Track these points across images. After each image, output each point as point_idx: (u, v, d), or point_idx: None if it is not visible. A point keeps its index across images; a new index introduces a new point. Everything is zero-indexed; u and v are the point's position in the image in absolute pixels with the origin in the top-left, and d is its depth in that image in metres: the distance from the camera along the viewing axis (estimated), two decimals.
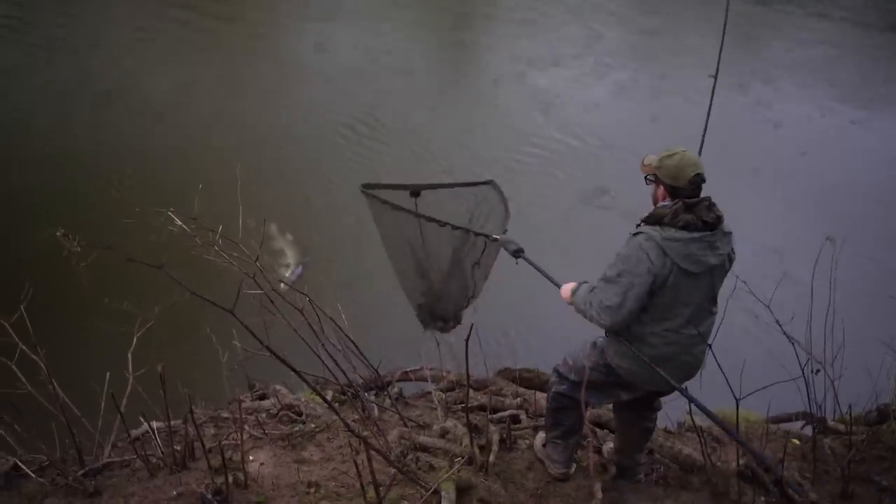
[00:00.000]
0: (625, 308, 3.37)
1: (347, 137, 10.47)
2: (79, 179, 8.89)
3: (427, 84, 12.59)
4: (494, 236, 4.02)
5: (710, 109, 4.13)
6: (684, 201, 3.35)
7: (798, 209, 9.29)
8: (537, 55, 13.50)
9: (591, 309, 3.49)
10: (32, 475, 3.67)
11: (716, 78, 4.19)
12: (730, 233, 3.47)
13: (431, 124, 11.02)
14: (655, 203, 3.52)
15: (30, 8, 12.94)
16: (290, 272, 6.26)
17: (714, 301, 3.56)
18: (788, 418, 5.04)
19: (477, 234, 4.05)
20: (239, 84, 11.44)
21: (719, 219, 3.39)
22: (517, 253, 3.97)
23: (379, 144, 10.38)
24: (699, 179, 3.38)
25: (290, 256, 4.43)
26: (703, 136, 4.12)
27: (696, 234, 3.34)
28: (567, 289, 3.70)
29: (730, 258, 3.51)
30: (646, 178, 3.53)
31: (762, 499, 3.82)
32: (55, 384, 3.68)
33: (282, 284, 3.35)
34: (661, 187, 3.46)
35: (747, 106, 12.41)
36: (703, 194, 3.43)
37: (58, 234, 2.85)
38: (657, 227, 3.37)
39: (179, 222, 3.38)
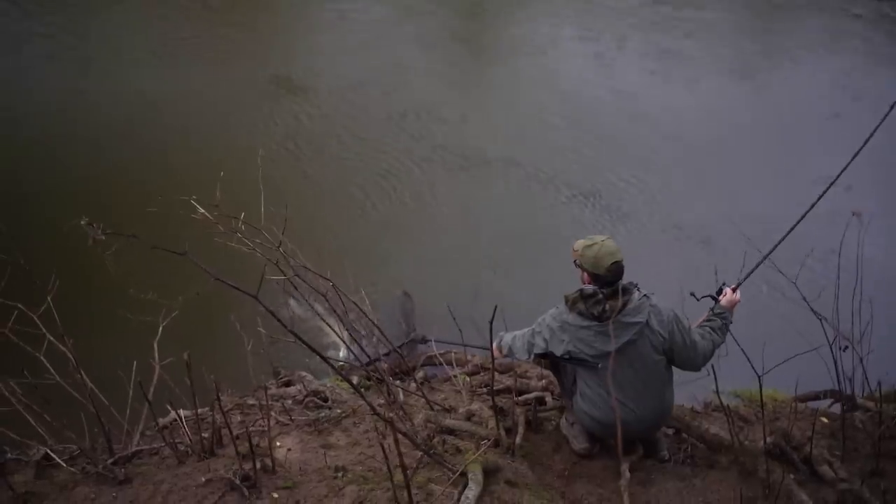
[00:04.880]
0: (524, 355, 4.08)
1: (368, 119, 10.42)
2: (99, 170, 8.95)
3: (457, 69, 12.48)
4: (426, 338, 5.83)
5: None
6: (581, 291, 3.83)
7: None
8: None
9: (511, 353, 4.17)
10: (63, 464, 3.70)
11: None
12: (637, 322, 3.75)
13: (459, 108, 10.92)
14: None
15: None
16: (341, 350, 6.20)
17: (646, 383, 3.84)
18: (816, 396, 4.99)
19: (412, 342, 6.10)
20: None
21: (604, 313, 3.71)
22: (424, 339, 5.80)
23: (395, 128, 10.32)
24: (616, 268, 3.77)
25: (335, 329, 4.39)
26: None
27: (584, 323, 3.77)
28: (494, 346, 4.12)
29: (652, 346, 3.79)
30: (574, 262, 3.92)
31: (791, 477, 3.79)
32: (83, 374, 3.71)
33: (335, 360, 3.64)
34: (585, 273, 3.86)
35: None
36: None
37: (82, 222, 2.85)
38: (566, 308, 3.86)
39: (202, 210, 3.39)
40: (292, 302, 4.19)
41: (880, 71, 12.38)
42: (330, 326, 4.37)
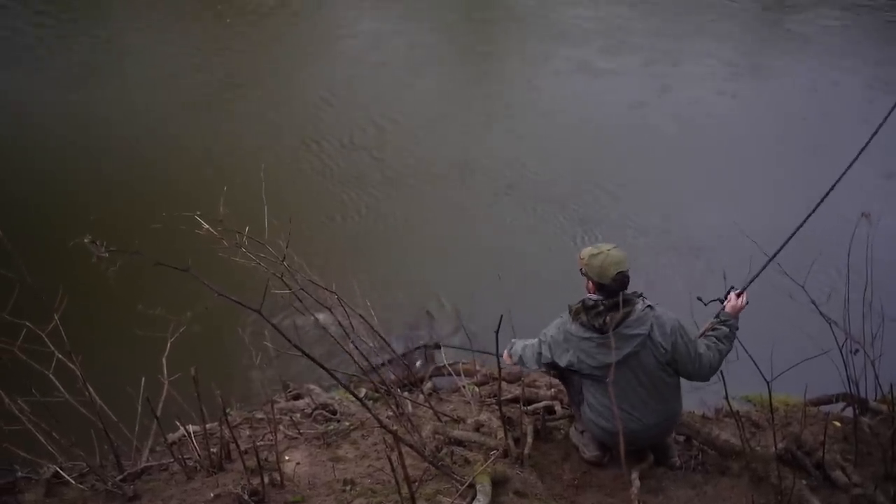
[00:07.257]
0: (533, 364, 4.08)
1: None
2: (106, 185, 9.01)
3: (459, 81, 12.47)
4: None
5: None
6: (584, 302, 3.82)
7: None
8: None
9: (522, 362, 4.17)
10: (73, 482, 3.72)
11: None
12: (639, 334, 3.73)
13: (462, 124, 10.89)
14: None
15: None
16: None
17: (651, 392, 3.83)
18: (829, 400, 4.95)
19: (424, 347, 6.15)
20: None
21: (605, 325, 3.70)
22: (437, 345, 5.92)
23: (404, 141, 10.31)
24: (621, 277, 3.74)
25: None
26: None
27: (586, 334, 3.77)
28: (505, 353, 4.24)
29: (655, 357, 3.77)
30: (580, 270, 3.87)
31: (803, 482, 3.76)
32: (91, 391, 3.72)
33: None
34: (590, 282, 3.83)
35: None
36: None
37: (85, 240, 2.87)
38: (569, 318, 3.86)
39: (206, 225, 3.40)
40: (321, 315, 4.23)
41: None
42: (335, 338, 4.36)
